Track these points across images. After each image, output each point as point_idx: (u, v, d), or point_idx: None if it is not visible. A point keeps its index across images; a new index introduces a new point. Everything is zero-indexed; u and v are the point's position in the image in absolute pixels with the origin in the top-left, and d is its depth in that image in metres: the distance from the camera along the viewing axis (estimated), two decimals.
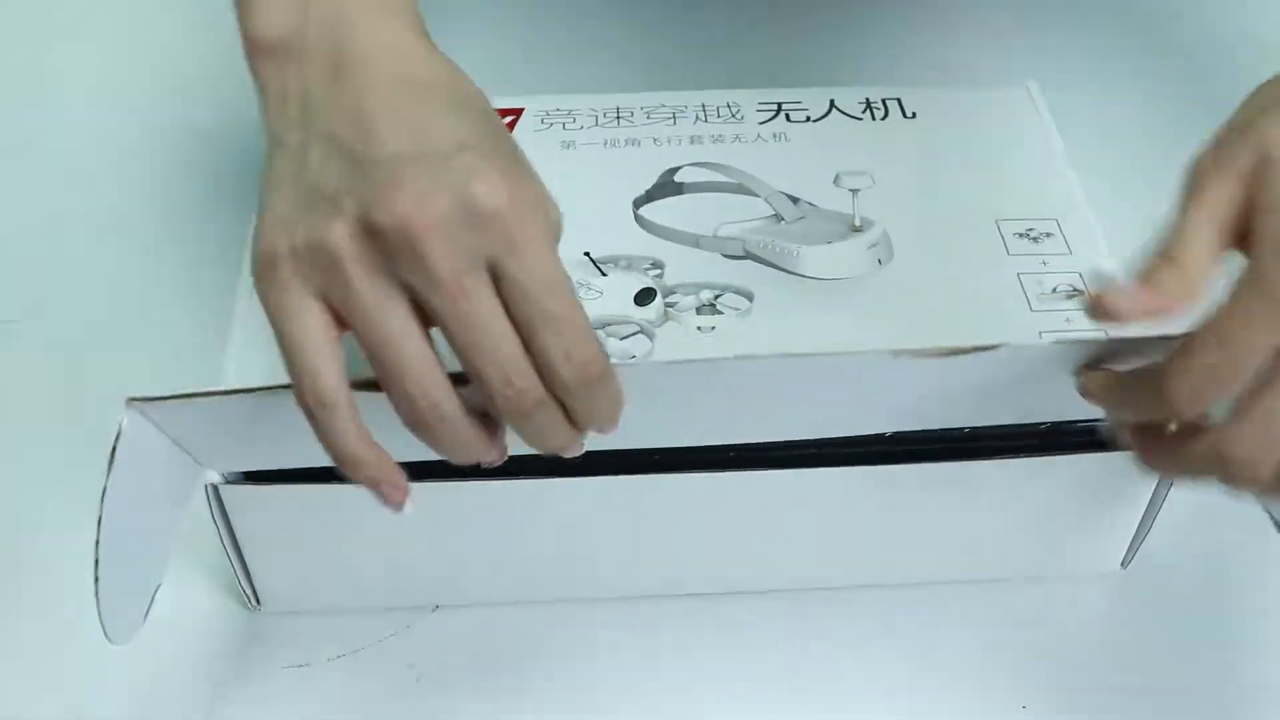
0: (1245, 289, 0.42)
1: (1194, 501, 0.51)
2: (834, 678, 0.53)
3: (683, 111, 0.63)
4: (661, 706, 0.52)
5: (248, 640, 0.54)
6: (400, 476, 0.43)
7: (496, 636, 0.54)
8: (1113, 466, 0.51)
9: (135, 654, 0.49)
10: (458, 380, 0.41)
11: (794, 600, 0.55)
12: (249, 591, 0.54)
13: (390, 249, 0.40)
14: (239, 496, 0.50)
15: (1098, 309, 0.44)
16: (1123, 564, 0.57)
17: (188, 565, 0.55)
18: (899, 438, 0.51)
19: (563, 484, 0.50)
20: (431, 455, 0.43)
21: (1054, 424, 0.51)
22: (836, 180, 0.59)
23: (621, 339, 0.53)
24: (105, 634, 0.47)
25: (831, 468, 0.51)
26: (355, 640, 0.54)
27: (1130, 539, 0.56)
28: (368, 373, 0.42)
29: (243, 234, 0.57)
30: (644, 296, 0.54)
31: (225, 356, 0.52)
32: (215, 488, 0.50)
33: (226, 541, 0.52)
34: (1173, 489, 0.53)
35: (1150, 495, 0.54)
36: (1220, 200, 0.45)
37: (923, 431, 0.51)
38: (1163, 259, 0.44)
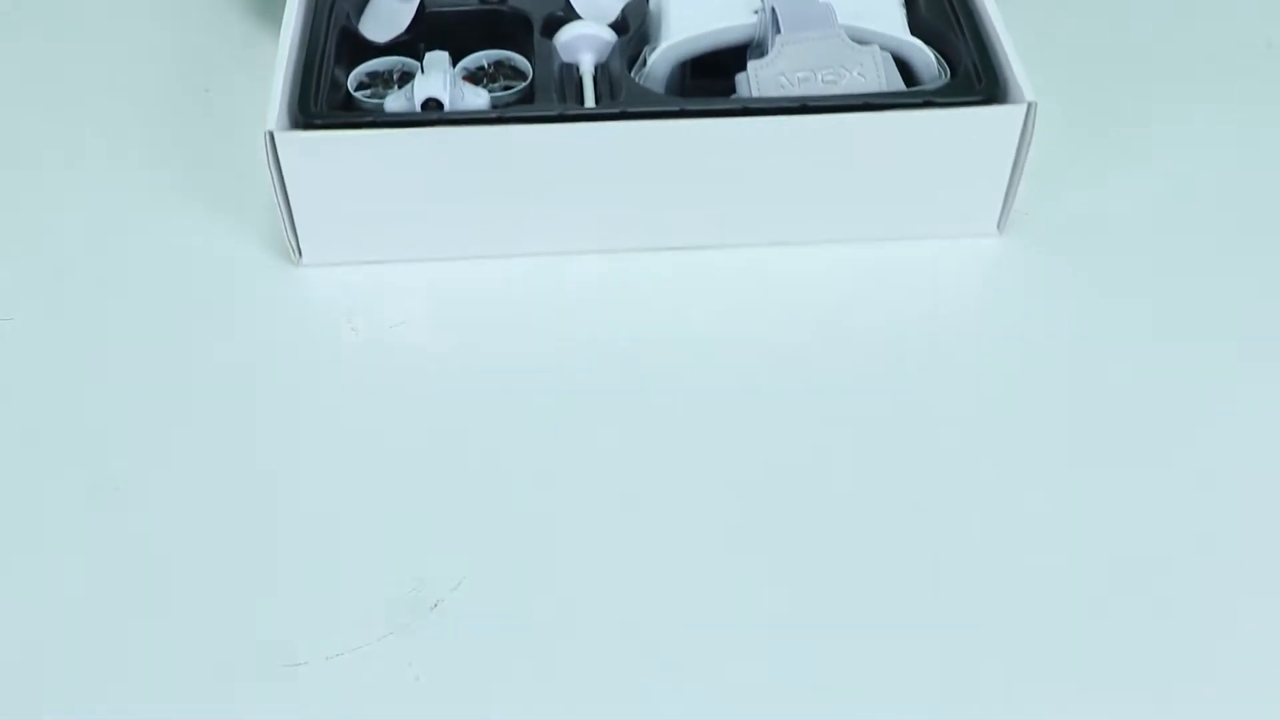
0: None
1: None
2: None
3: None
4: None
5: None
6: None
7: (495, 638, 0.52)
8: (976, 120, 0.57)
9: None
10: None
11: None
12: (294, 244, 0.60)
13: None
14: (292, 143, 0.56)
15: None
16: (998, 227, 0.62)
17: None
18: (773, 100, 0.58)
19: (583, 128, 0.58)
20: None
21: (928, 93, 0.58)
22: None
23: None
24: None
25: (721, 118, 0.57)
26: (352, 640, 0.52)
27: (1003, 197, 0.60)
28: None
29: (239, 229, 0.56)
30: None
31: None
32: (271, 134, 0.56)
33: (278, 190, 0.57)
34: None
35: (1015, 150, 0.58)
36: None
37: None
38: None
